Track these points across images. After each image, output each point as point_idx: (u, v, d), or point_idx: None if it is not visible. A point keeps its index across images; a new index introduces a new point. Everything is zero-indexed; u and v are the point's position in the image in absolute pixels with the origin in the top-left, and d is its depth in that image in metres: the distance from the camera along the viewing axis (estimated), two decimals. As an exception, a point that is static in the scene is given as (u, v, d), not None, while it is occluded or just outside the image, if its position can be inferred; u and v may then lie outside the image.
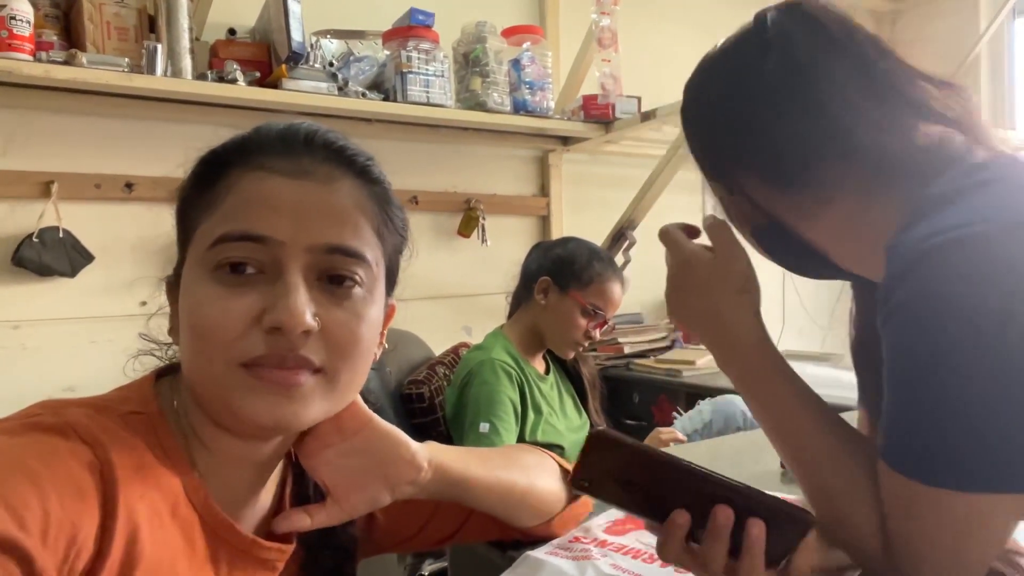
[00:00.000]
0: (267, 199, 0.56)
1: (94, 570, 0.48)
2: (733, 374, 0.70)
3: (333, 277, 0.57)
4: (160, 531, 0.53)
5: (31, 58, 1.53)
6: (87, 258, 1.78)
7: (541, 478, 0.80)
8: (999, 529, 0.56)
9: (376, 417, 0.65)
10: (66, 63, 1.56)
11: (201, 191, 0.59)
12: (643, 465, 0.55)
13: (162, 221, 2.05)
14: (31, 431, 0.51)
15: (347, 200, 0.59)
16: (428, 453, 0.68)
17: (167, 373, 0.63)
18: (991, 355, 0.51)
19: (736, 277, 0.69)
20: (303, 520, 0.63)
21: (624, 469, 0.55)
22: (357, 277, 0.58)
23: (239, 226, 0.55)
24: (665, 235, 0.74)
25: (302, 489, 0.67)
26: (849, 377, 0.80)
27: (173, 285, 0.62)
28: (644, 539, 0.84)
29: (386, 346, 0.67)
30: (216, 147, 0.61)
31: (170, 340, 0.64)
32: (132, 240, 1.86)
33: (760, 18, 0.69)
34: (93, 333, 1.82)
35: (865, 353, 0.74)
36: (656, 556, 0.79)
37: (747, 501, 0.55)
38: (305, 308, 0.54)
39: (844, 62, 0.65)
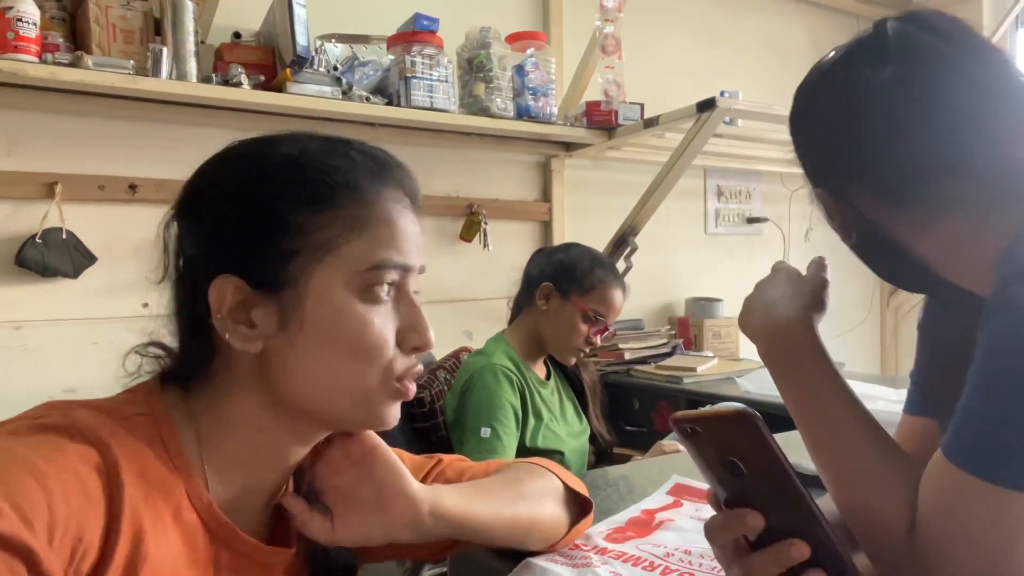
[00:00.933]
0: (409, 232, 0.63)
1: (99, 571, 0.49)
2: (775, 355, 0.72)
3: None
4: (163, 534, 0.53)
5: (37, 60, 1.53)
6: (90, 259, 1.79)
7: (547, 506, 0.79)
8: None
9: (382, 445, 0.66)
10: (72, 65, 1.56)
11: (317, 202, 0.58)
12: (765, 465, 0.53)
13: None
14: (38, 432, 0.51)
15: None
16: (431, 499, 0.66)
17: (172, 377, 0.63)
18: None
19: (810, 287, 0.73)
20: (303, 514, 0.63)
21: (743, 455, 0.54)
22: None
23: (397, 257, 0.61)
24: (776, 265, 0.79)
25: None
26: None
27: (240, 289, 0.58)
28: (643, 547, 0.84)
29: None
30: (324, 159, 0.60)
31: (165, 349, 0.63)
32: (135, 242, 1.86)
33: (880, 27, 0.66)
34: (95, 334, 1.82)
35: (938, 365, 0.76)
36: (656, 564, 0.79)
37: (827, 554, 0.54)
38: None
39: (969, 75, 0.63)
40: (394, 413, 0.63)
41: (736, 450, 0.54)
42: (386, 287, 0.61)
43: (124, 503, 0.50)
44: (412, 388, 0.63)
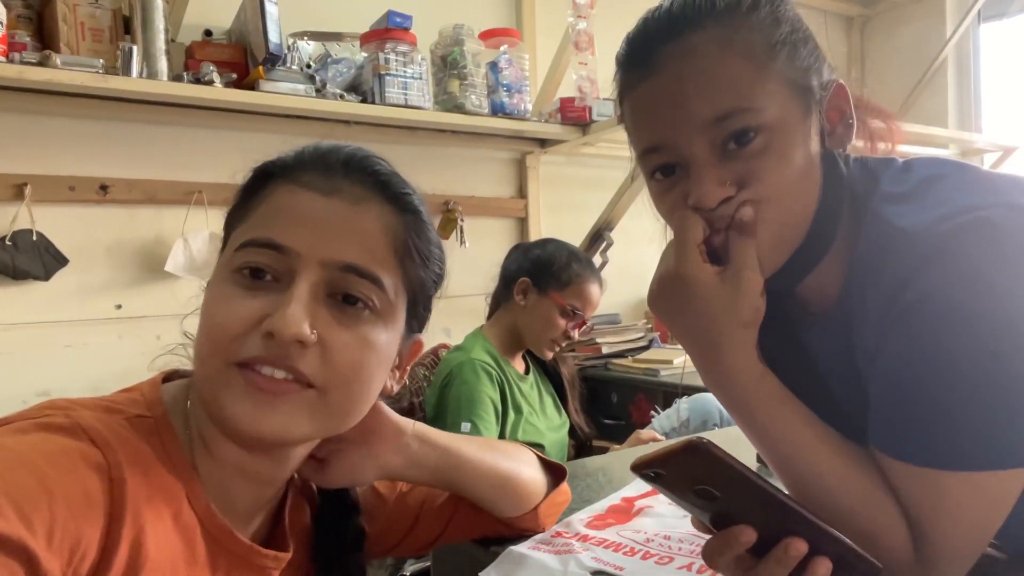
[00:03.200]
0: (292, 211, 0.58)
1: (99, 573, 0.48)
2: (726, 403, 0.67)
3: (346, 296, 0.57)
4: (163, 535, 0.53)
5: (4, 59, 1.51)
6: (61, 261, 1.76)
7: (522, 465, 0.81)
8: (1012, 502, 0.59)
9: None
10: (40, 64, 1.54)
11: (243, 202, 0.61)
12: (733, 482, 0.53)
13: (138, 223, 2.03)
14: (41, 431, 0.51)
15: (373, 223, 0.59)
16: (412, 425, 0.71)
17: (174, 376, 0.64)
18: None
19: (746, 309, 0.63)
20: (310, 469, 0.67)
21: (710, 480, 0.54)
22: (371, 301, 0.58)
23: (263, 233, 0.57)
24: (684, 229, 0.65)
25: (324, 522, 0.70)
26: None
27: None
28: (624, 533, 0.85)
29: (407, 382, 0.68)
30: (265, 162, 0.63)
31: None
32: (107, 243, 1.85)
33: None
34: (67, 337, 1.79)
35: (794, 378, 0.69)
36: (636, 550, 0.81)
37: (821, 538, 0.55)
38: (301, 318, 0.54)
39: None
40: (244, 409, 0.54)
41: (702, 478, 0.54)
42: (259, 267, 0.56)
43: (126, 504, 0.50)
44: (265, 380, 0.54)
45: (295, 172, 0.60)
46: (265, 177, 0.61)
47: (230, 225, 0.62)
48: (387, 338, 0.59)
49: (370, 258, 0.58)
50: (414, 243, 0.62)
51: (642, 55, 0.66)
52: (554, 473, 0.86)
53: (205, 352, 0.56)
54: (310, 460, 0.66)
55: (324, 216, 0.57)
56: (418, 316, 0.65)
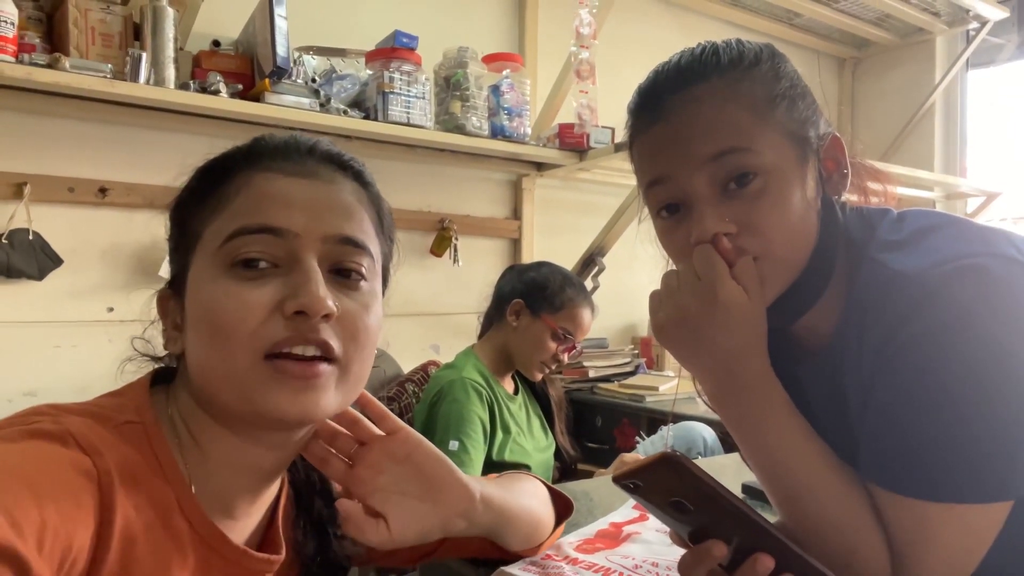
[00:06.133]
0: (280, 195, 0.59)
1: None
2: (739, 415, 0.69)
3: (342, 270, 0.60)
4: (154, 541, 0.54)
5: (13, 60, 1.52)
6: (56, 261, 1.76)
7: (542, 505, 0.83)
8: (994, 535, 0.61)
9: (425, 441, 0.67)
10: (49, 66, 1.55)
11: (203, 197, 0.61)
12: (705, 497, 0.56)
13: (134, 227, 2.03)
14: (31, 438, 0.51)
15: (351, 199, 0.62)
16: (479, 488, 0.69)
17: (161, 379, 0.64)
18: (1012, 372, 0.58)
19: (764, 319, 0.67)
20: (359, 521, 0.64)
21: (683, 493, 0.56)
22: (363, 270, 0.61)
23: (255, 220, 0.58)
24: (709, 262, 0.65)
25: (301, 506, 0.69)
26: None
27: (167, 297, 0.63)
28: (612, 559, 0.87)
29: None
30: (216, 156, 0.64)
31: (162, 354, 0.65)
32: (103, 245, 1.85)
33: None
34: (57, 338, 1.79)
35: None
36: (624, 575, 0.82)
37: (788, 556, 0.57)
38: (326, 293, 0.56)
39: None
40: (282, 398, 0.55)
41: (675, 491, 0.56)
42: (255, 256, 0.57)
43: (116, 511, 0.51)
44: (299, 367, 0.55)
45: (263, 160, 0.61)
46: (226, 170, 0.61)
47: (191, 225, 0.61)
48: (379, 307, 0.63)
49: (359, 229, 0.61)
50: (381, 215, 0.66)
51: (652, 103, 0.70)
52: (557, 506, 0.88)
53: (224, 350, 0.56)
54: (371, 522, 0.64)
55: (312, 195, 0.60)
56: (385, 286, 0.68)
